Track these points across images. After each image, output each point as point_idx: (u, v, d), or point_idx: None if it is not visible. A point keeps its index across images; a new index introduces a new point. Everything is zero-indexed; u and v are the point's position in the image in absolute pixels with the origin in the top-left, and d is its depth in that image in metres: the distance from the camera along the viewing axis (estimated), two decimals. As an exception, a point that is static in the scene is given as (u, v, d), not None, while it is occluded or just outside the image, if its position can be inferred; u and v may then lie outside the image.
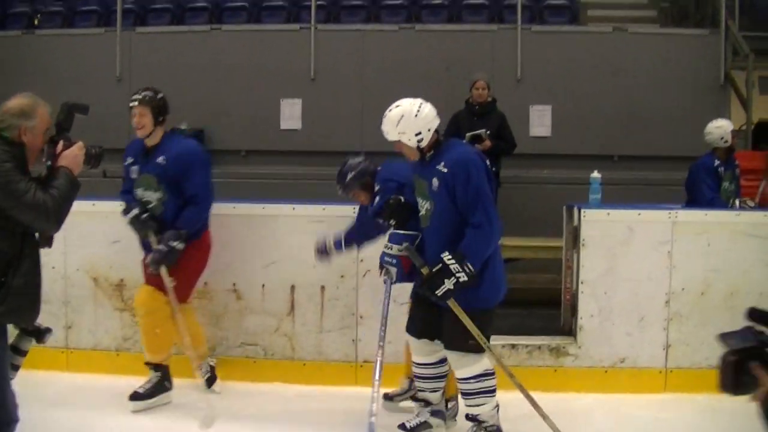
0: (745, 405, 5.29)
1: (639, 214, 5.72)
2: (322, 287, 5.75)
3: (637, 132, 8.53)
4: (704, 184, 6.77)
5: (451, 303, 4.45)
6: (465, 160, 4.46)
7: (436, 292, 4.41)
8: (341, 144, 8.52)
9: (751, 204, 6.92)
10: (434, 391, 4.85)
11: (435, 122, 4.57)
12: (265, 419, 5.20)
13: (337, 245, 5.35)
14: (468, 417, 4.74)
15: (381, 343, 4.76)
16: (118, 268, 5.86)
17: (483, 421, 4.68)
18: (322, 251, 5.37)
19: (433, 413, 4.88)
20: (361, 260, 5.70)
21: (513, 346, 5.71)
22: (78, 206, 5.81)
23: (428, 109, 4.59)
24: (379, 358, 4.71)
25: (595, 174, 6.05)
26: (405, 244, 4.66)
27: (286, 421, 5.18)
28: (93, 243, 5.89)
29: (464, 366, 4.59)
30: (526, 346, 5.73)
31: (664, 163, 8.46)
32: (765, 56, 8.99)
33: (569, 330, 5.92)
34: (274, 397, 5.58)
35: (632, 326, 5.67)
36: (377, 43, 8.83)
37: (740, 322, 5.52)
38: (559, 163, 8.36)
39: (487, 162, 4.58)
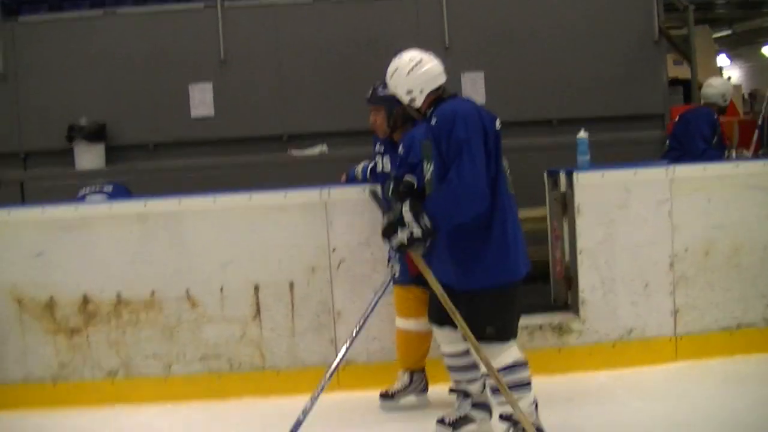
0: (759, 369, 5.06)
1: (635, 174, 5.25)
2: (291, 284, 5.02)
3: (573, 94, 8.04)
4: (700, 134, 6.52)
5: (415, 258, 3.96)
6: (453, 111, 3.95)
7: (391, 242, 3.91)
8: (259, 129, 7.81)
9: (747, 154, 6.67)
10: (471, 381, 4.28)
11: (432, 83, 4.09)
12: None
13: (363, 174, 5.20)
14: (502, 417, 4.13)
15: (353, 336, 4.39)
16: (46, 284, 4.95)
17: (518, 421, 4.03)
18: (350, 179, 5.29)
19: (475, 405, 4.32)
20: (333, 250, 5.02)
21: (512, 328, 5.13)
22: (-8, 216, 5.06)
23: (426, 68, 4.11)
24: (340, 355, 4.36)
25: (582, 134, 5.54)
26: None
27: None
28: (13, 258, 4.98)
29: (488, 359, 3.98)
30: (526, 326, 5.11)
31: (603, 124, 8.04)
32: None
33: (564, 305, 5.42)
34: (247, 415, 4.83)
35: (637, 294, 5.22)
36: (291, 18, 7.96)
37: (746, 280, 5.26)
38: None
39: (493, 119, 4.01)
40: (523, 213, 6.45)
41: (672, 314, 5.25)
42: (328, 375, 4.31)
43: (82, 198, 5.68)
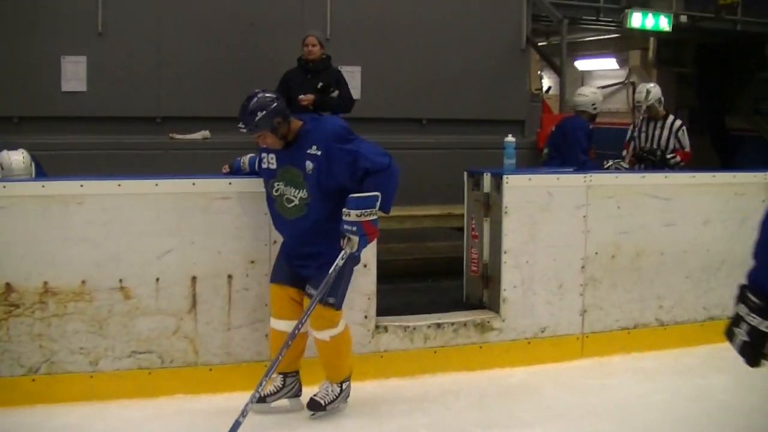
0: (660, 364, 5.51)
1: (558, 179, 5.53)
2: (230, 276, 4.83)
3: (442, 96, 8.31)
4: (579, 146, 6.86)
5: None
6: None
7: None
8: (134, 108, 7.47)
9: (625, 166, 7.07)
10: None
11: None
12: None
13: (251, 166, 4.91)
14: None
15: (296, 331, 4.37)
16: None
17: None
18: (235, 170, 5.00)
19: None
20: (274, 242, 4.88)
21: (438, 325, 5.24)
22: None
23: None
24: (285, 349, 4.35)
25: (510, 138, 5.75)
26: None
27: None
28: None
29: None
30: (452, 324, 5.29)
31: (469, 126, 8.38)
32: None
33: (479, 303, 5.61)
34: (178, 413, 4.58)
35: (552, 294, 5.51)
36: (173, -7, 7.73)
37: (644, 282, 5.69)
38: (368, 127, 7.83)
39: None
40: (421, 210, 6.87)
41: (581, 314, 5.60)
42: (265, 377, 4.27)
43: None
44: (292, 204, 4.42)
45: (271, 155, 4.49)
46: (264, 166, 4.56)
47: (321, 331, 4.52)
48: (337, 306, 4.50)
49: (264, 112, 4.32)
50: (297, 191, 4.40)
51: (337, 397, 4.63)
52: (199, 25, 7.67)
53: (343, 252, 4.31)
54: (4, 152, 5.23)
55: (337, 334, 4.55)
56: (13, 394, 4.54)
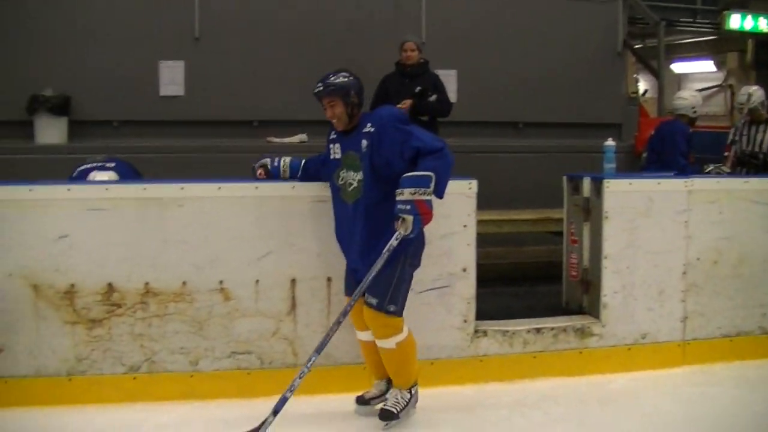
0: (761, 372, 5.35)
1: (659, 183, 5.43)
2: (329, 279, 4.84)
3: (540, 98, 8.27)
4: (678, 150, 6.75)
5: None
6: None
7: None
8: (231, 113, 7.62)
9: (726, 170, 6.91)
10: None
11: None
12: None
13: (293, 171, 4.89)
14: None
15: (340, 319, 4.41)
16: (67, 270, 4.57)
17: None
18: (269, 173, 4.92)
19: None
20: (372, 244, 4.91)
21: (538, 330, 5.18)
22: (10, 194, 4.63)
23: None
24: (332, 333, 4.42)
25: (610, 142, 5.66)
26: None
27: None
28: (31, 240, 4.55)
29: None
30: (552, 329, 5.22)
31: (565, 130, 8.31)
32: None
33: (579, 308, 5.53)
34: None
35: (653, 300, 5.39)
36: (269, -1, 7.89)
37: (747, 290, 5.53)
38: (465, 130, 7.85)
39: None
40: (519, 214, 6.80)
41: (682, 320, 5.47)
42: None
43: (85, 174, 5.24)
44: (352, 187, 4.41)
45: (337, 145, 4.52)
46: (331, 157, 4.56)
47: (387, 340, 4.48)
48: (399, 313, 4.45)
49: (348, 78, 4.44)
50: (356, 174, 4.39)
51: (408, 403, 4.57)
52: (295, 30, 7.77)
53: (397, 233, 4.21)
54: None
55: (403, 339, 4.50)
56: (115, 391, 4.66)
